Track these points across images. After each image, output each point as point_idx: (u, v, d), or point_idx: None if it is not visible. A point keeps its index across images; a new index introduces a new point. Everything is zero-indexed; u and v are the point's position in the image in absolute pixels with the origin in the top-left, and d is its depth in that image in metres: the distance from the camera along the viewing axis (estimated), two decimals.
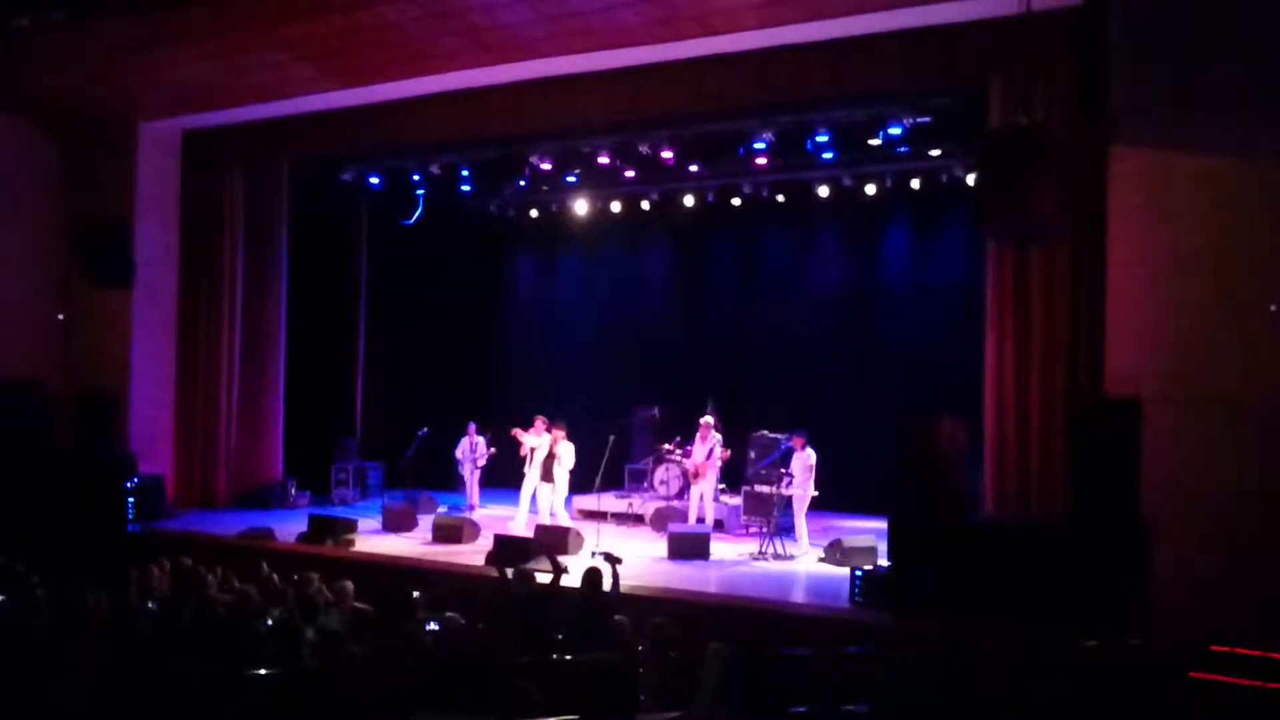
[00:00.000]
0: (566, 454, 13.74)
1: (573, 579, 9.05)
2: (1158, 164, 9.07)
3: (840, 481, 13.71)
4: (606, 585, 8.45)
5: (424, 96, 13.72)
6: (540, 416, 14.29)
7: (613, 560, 8.79)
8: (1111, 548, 8.65)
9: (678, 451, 14.79)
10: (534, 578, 8.75)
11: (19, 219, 15.06)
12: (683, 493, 14.46)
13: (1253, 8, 8.80)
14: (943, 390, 12.99)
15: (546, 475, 13.78)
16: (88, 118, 15.12)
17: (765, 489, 13.28)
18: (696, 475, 13.77)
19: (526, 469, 14.12)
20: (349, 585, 8.44)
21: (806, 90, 12.20)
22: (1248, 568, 8.47)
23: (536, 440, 13.92)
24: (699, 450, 13.88)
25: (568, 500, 14.35)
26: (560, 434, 13.76)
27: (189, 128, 15.71)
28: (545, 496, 13.81)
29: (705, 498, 13.75)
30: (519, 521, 13.91)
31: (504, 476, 15.58)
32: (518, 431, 14.08)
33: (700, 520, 13.60)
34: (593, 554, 8.54)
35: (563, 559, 11.26)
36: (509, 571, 8.95)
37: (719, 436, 14.31)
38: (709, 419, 14.41)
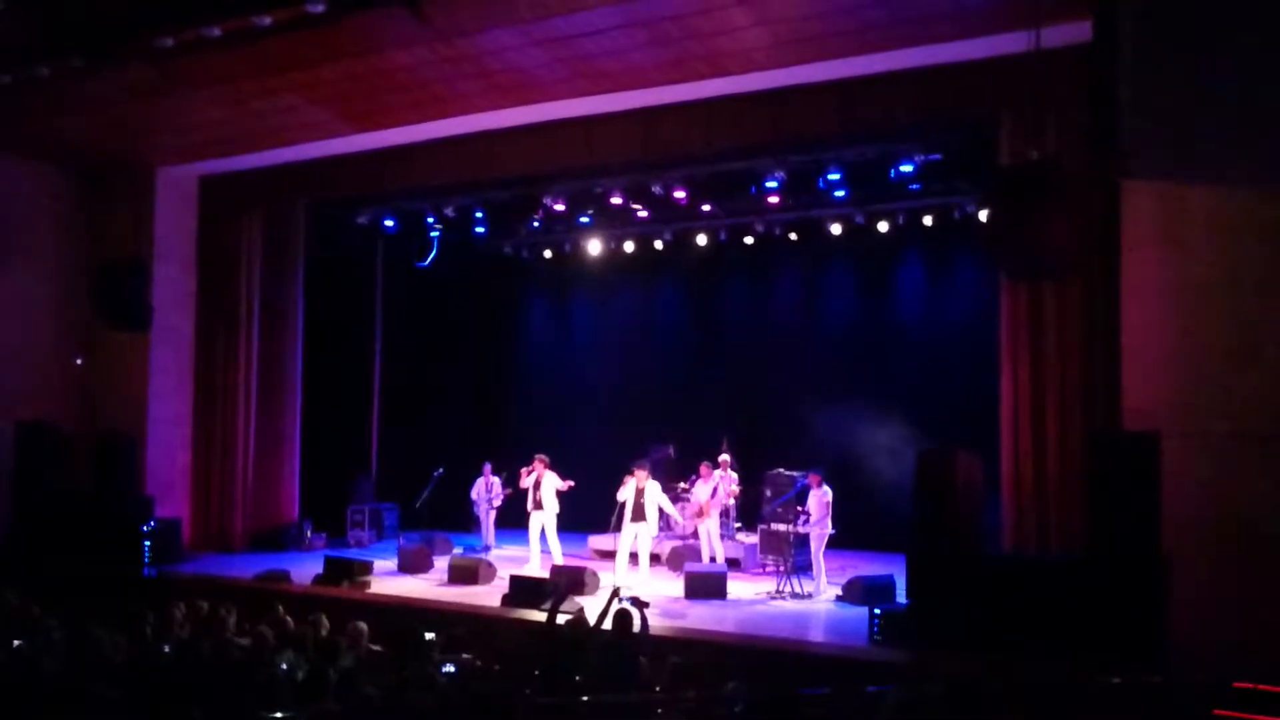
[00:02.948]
0: (653, 492, 12.84)
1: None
2: (1170, 197, 9.09)
3: (857, 519, 13.64)
4: (635, 628, 8.40)
5: (438, 139, 13.85)
6: (540, 455, 14.10)
7: (640, 604, 8.73)
8: (1131, 583, 8.57)
9: (692, 490, 14.75)
10: (584, 622, 8.63)
11: (38, 262, 15.24)
12: (698, 532, 14.41)
13: (1263, 41, 8.83)
14: (959, 426, 12.94)
15: (638, 514, 12.70)
16: (106, 163, 15.33)
17: (782, 527, 13.22)
18: (701, 514, 13.72)
19: (529, 508, 14.01)
20: (362, 626, 8.42)
21: (817, 129, 12.28)
22: (1270, 602, 8.39)
23: (628, 492, 12.78)
24: (702, 489, 13.82)
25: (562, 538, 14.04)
26: (644, 474, 12.85)
27: (206, 172, 15.90)
28: (628, 537, 12.76)
29: (712, 536, 13.68)
30: (533, 563, 13.84)
31: (520, 517, 15.54)
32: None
33: (712, 559, 13.53)
34: (619, 599, 8.49)
35: (580, 599, 11.25)
36: (559, 618, 8.81)
37: (733, 475, 14.27)
38: (725, 457, 14.39)
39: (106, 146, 14.78)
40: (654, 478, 15.48)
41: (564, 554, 13.81)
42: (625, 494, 12.73)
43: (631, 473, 12.83)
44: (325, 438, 17.02)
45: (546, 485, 13.84)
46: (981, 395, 12.01)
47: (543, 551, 13.85)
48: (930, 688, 5.72)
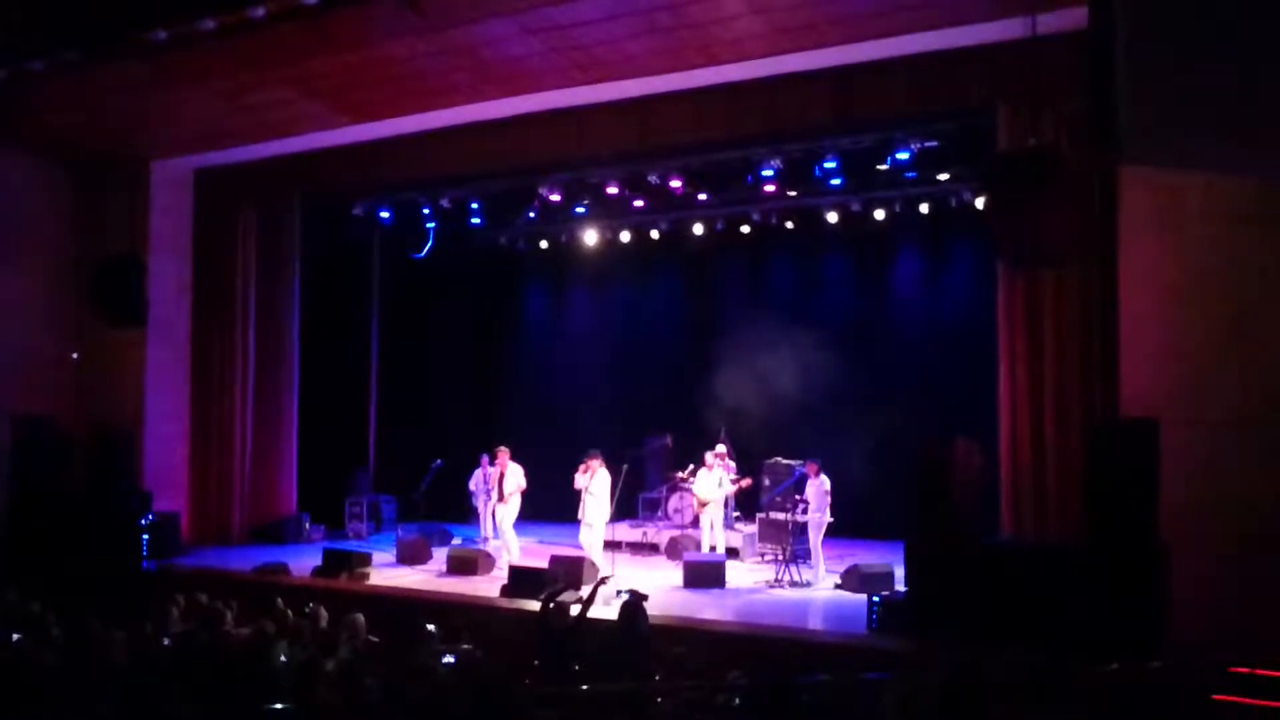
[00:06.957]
0: (600, 486, 12.87)
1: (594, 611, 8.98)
2: (1167, 185, 9.08)
3: (856, 507, 13.64)
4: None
5: (433, 130, 13.81)
6: (502, 447, 14.02)
7: (638, 597, 8.73)
8: (1130, 570, 8.57)
9: (691, 480, 14.74)
10: (569, 611, 8.66)
11: (33, 257, 15.15)
12: (697, 521, 14.40)
13: (1260, 30, 8.81)
14: (957, 413, 12.93)
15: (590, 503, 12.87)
16: (100, 157, 15.25)
17: (780, 516, 13.23)
18: (703, 505, 13.71)
19: (494, 500, 14.00)
20: (360, 618, 8.41)
21: (813, 117, 12.26)
22: (1267, 588, 8.40)
23: (584, 480, 12.91)
24: (706, 479, 13.80)
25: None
26: (595, 463, 12.91)
27: (201, 165, 15.84)
28: (584, 536, 12.96)
29: (715, 526, 13.66)
30: (514, 554, 13.71)
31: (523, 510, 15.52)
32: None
33: (712, 548, 13.53)
34: (617, 592, 8.48)
35: (579, 591, 11.24)
36: (550, 605, 8.83)
37: (730, 464, 14.26)
38: (722, 447, 14.37)
39: (100, 140, 14.71)
40: (652, 468, 15.49)
41: (560, 546, 13.79)
42: (582, 481, 12.85)
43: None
44: (323, 430, 17.01)
45: (510, 478, 13.76)
46: (979, 382, 12.01)
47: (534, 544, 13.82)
48: (930, 676, 5.72)
